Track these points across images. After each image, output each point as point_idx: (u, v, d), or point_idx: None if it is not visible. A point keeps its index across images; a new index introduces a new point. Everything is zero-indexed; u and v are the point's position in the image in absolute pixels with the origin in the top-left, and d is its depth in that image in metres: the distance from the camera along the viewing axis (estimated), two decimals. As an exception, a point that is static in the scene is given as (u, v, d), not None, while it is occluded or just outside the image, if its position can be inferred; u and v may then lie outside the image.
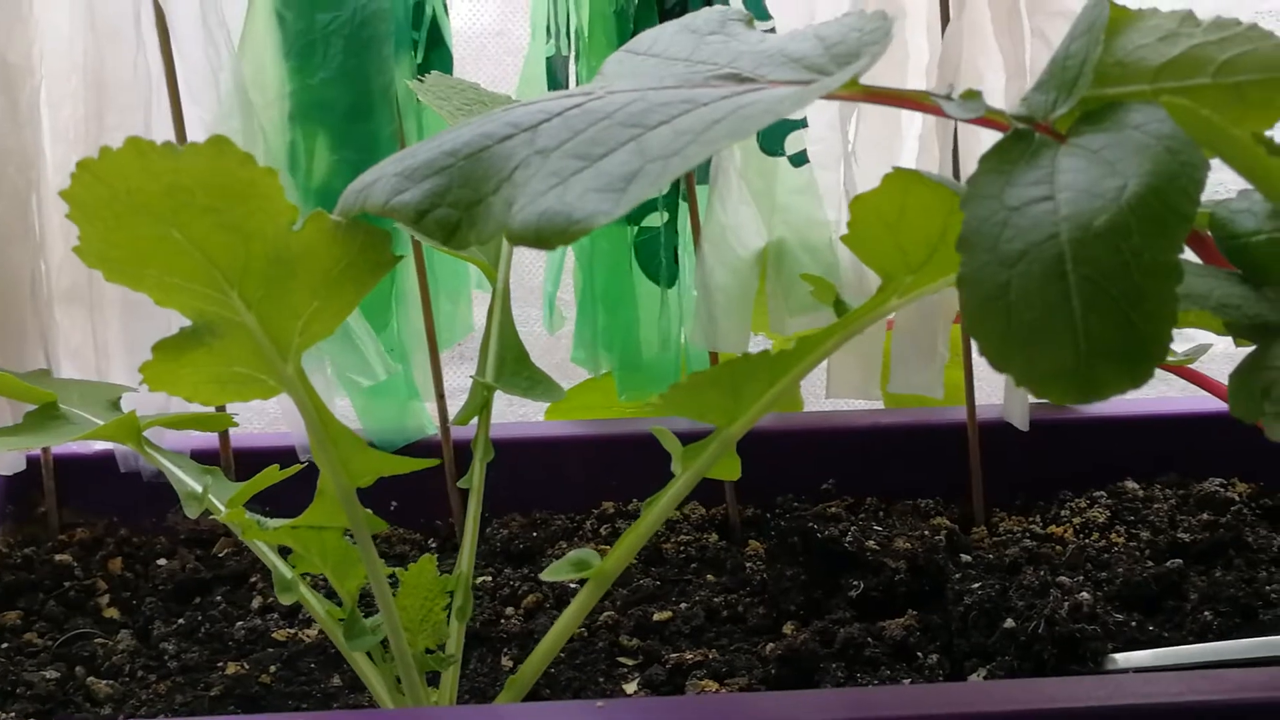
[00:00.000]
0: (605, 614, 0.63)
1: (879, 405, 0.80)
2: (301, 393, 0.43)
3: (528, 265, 0.82)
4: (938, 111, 0.40)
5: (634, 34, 0.55)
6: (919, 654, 0.59)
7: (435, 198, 0.39)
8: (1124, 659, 0.59)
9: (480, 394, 0.53)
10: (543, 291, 0.75)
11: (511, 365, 0.54)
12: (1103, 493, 0.73)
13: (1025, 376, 0.36)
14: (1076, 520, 0.72)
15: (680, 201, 0.71)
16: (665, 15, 0.65)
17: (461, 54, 0.75)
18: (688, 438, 0.52)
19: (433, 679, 0.54)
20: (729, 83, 0.41)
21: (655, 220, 0.71)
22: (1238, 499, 0.72)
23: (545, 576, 0.49)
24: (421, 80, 0.60)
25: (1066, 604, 0.59)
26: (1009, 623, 0.58)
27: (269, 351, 0.42)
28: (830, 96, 0.40)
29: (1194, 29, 0.42)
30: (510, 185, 0.39)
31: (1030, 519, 0.73)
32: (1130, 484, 0.74)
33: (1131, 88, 0.41)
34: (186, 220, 0.39)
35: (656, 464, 0.71)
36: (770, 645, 0.60)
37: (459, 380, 0.75)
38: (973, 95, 0.40)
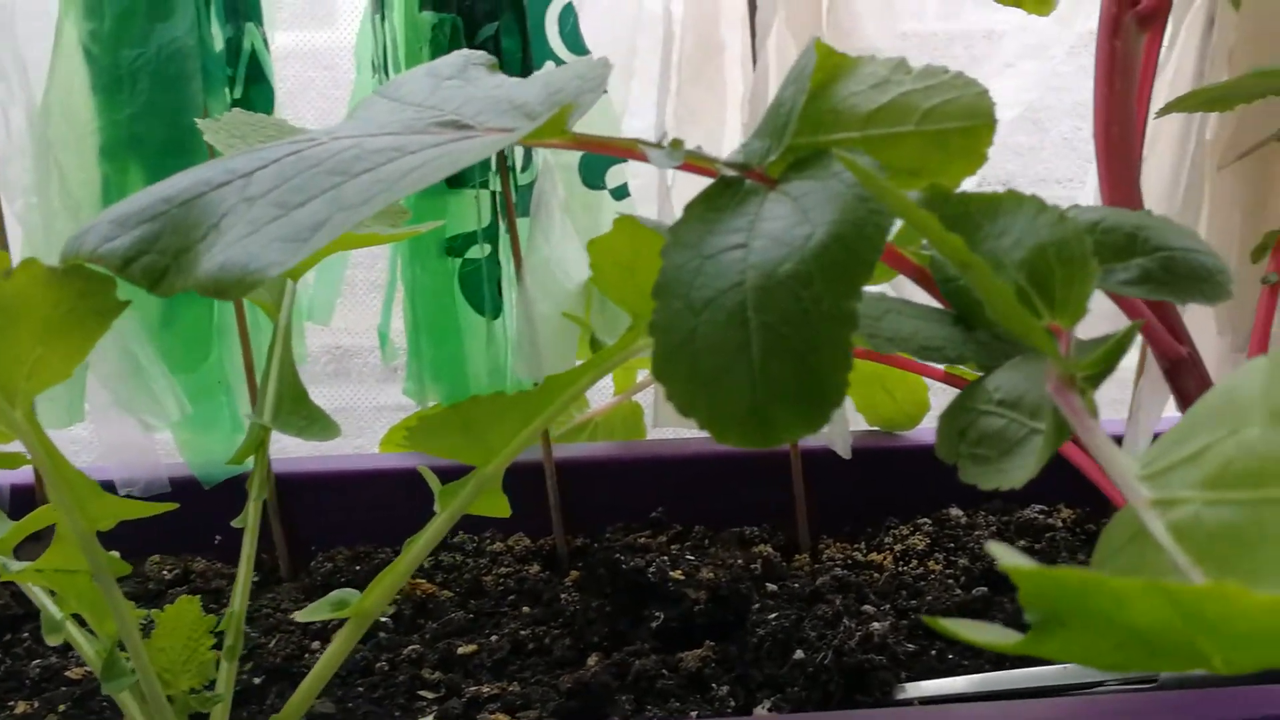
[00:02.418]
0: (411, 648, 0.63)
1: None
2: (31, 438, 0.43)
3: (368, 298, 0.83)
4: (643, 158, 0.40)
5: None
6: (713, 685, 0.60)
7: (144, 244, 0.39)
8: (914, 689, 0.60)
9: (256, 433, 0.53)
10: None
11: (289, 404, 0.54)
12: (927, 520, 0.74)
13: (707, 421, 0.37)
14: (898, 547, 0.72)
15: (504, 234, 0.72)
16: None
17: (290, 87, 0.75)
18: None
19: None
20: (447, 129, 0.42)
21: (478, 252, 0.71)
22: (1060, 525, 0.73)
23: (300, 617, 0.49)
24: (219, 119, 0.60)
25: (858, 634, 0.59)
26: (799, 654, 0.59)
27: (-5, 397, 0.42)
28: (539, 144, 0.41)
29: (905, 76, 0.42)
30: (216, 233, 0.39)
31: (855, 546, 0.74)
32: (955, 511, 0.75)
33: (843, 134, 0.42)
34: (-104, 267, 0.39)
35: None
36: (567, 677, 0.60)
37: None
38: (677, 144, 0.40)
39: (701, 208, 0.40)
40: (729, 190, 0.41)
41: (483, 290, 0.70)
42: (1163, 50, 0.70)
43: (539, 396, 0.47)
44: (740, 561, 0.68)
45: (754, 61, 0.68)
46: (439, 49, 0.67)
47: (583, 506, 0.75)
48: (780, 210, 0.40)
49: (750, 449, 0.79)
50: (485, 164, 0.68)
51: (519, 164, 0.71)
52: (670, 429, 0.82)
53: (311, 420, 0.54)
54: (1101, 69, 0.57)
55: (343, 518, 0.73)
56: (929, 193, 0.38)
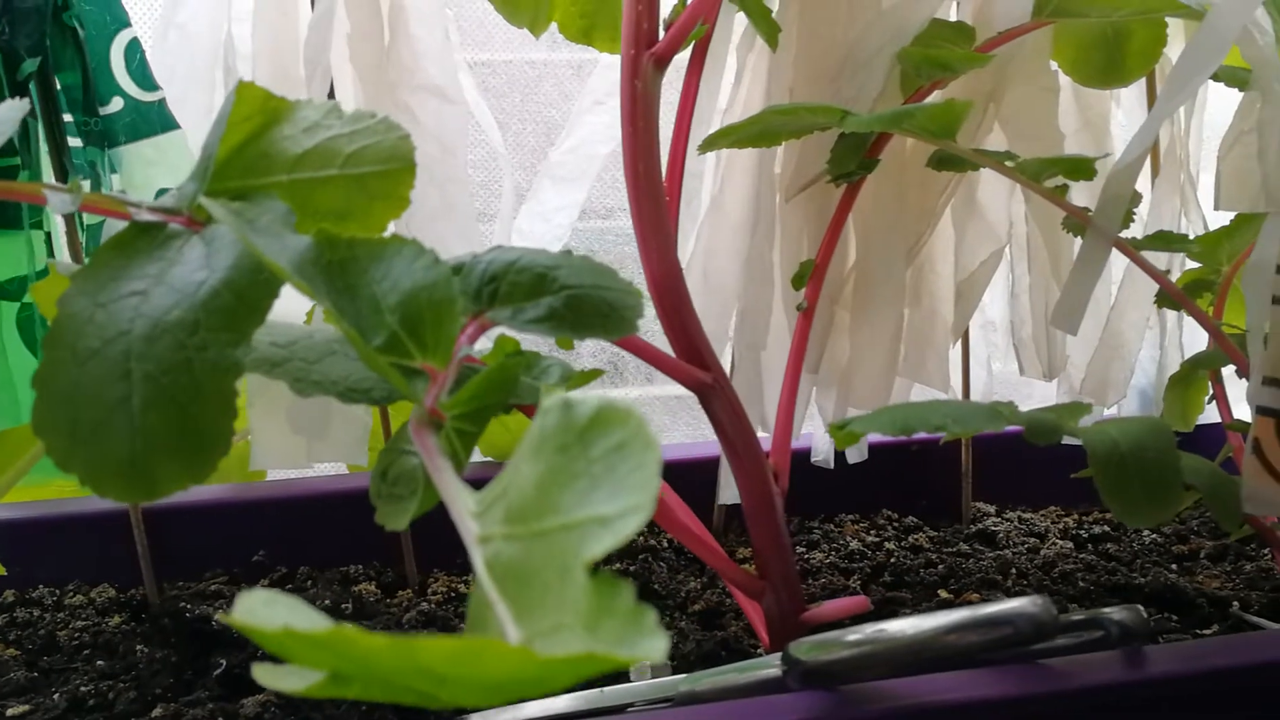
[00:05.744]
0: (-44, 714, 0.60)
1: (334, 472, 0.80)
2: None
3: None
4: (43, 201, 0.39)
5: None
6: (271, 730, 0.59)
7: None
8: (480, 718, 0.60)
9: None
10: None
11: None
12: (534, 548, 0.75)
13: (86, 477, 0.36)
14: (502, 577, 0.73)
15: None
16: (17, 88, 0.63)
17: None
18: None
19: None
20: None
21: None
22: (662, 546, 0.75)
23: None
24: None
25: (418, 669, 0.59)
26: (353, 693, 0.59)
27: None
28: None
29: (335, 121, 0.43)
30: None
31: (463, 578, 0.74)
32: (560, 537, 0.76)
33: (273, 178, 0.42)
34: None
35: (71, 547, 0.69)
36: (118, 734, 0.58)
37: None
38: (75, 187, 0.40)
39: (111, 253, 0.40)
40: (147, 235, 0.40)
41: (39, 336, 0.68)
42: (731, 87, 0.74)
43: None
44: (329, 602, 0.67)
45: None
46: (-19, 92, 0.64)
47: (181, 553, 0.73)
48: (193, 255, 0.39)
49: (349, 485, 0.78)
50: (37, 204, 0.66)
51: (88, 203, 0.68)
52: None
53: None
54: (625, 110, 0.59)
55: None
56: (317, 237, 0.38)
